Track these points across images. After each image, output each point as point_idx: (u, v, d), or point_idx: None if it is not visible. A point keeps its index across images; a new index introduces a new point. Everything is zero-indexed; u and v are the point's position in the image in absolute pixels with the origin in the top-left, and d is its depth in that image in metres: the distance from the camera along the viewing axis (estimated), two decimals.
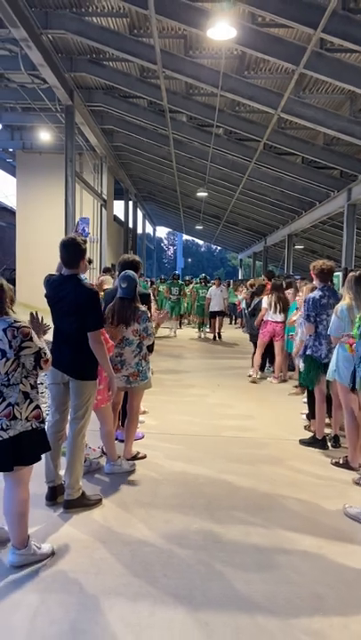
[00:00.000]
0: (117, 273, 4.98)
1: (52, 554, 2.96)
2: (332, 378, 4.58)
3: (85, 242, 3.76)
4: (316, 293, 4.97)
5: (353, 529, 3.38)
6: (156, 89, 10.29)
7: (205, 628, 2.42)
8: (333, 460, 4.59)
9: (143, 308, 4.35)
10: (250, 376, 8.28)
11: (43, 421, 2.93)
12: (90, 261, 4.23)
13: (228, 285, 19.52)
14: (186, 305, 16.18)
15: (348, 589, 2.73)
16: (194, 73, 9.06)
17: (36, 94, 10.94)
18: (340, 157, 11.43)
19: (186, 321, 18.05)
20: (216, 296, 13.59)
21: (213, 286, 13.87)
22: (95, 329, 3.51)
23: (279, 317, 8.00)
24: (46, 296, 3.73)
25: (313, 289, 5.37)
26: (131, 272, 4.36)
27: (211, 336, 14.06)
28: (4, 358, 2.74)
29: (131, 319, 4.24)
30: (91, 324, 3.50)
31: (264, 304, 8.24)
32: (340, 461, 4.51)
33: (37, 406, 2.89)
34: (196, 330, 15.32)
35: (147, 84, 10.53)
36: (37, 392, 2.93)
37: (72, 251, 3.61)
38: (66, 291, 3.57)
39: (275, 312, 8.00)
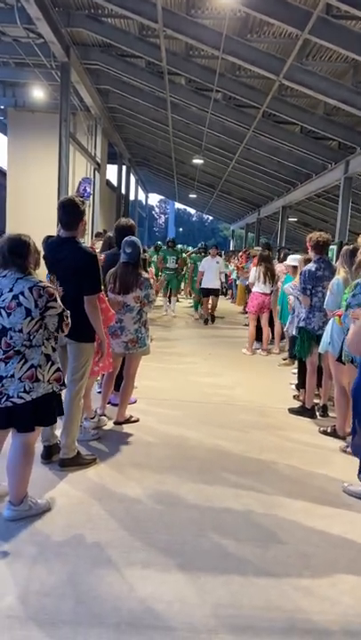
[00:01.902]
0: (115, 238, 4.96)
1: (48, 509, 3.04)
2: (325, 350, 4.66)
3: (84, 203, 3.72)
4: (312, 266, 4.99)
5: (339, 493, 3.50)
6: (156, 49, 9.97)
7: (197, 580, 2.53)
8: (321, 429, 4.71)
9: (146, 274, 4.35)
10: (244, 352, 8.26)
11: (63, 384, 2.98)
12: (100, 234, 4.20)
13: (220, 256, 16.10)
14: (182, 277, 14.11)
15: (335, 549, 2.86)
16: (195, 33, 8.77)
17: (30, 49, 10.53)
18: (339, 128, 11.26)
19: (183, 294, 16.09)
20: (211, 269, 10.95)
21: (208, 257, 11.39)
22: (92, 293, 3.51)
23: (267, 289, 8.03)
24: (44, 257, 3.70)
25: (307, 260, 5.40)
26: (135, 237, 4.34)
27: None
28: (28, 317, 2.75)
29: (133, 285, 4.24)
30: (88, 288, 3.50)
31: (251, 277, 8.25)
32: (328, 430, 4.63)
33: (58, 369, 2.91)
34: (193, 309, 12.80)
35: (146, 43, 10.19)
36: (57, 355, 2.96)
37: (70, 212, 3.58)
38: (63, 253, 3.55)
39: (263, 283, 8.02)
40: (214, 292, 11.21)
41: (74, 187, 13.00)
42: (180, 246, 14.65)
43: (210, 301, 11.25)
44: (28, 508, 2.95)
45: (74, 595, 2.36)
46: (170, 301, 12.43)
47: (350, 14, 7.16)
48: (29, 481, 2.99)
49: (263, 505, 3.29)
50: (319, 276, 4.94)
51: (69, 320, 2.95)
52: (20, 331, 2.75)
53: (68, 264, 3.51)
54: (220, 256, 12.70)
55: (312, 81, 9.06)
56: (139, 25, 9.87)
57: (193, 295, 13.20)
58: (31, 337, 2.79)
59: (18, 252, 2.82)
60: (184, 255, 14.18)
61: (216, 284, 11.15)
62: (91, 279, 3.52)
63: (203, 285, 11.02)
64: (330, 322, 4.58)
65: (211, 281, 10.95)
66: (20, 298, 2.74)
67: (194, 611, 2.31)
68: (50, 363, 2.87)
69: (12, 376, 2.76)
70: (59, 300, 2.88)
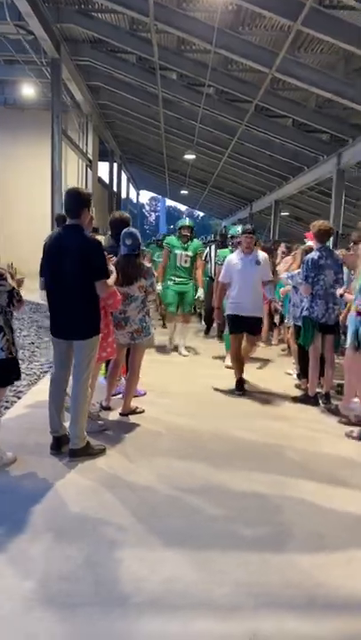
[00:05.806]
0: (110, 231, 4.98)
1: (14, 460, 3.45)
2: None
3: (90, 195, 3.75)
4: (315, 254, 5.02)
5: (348, 476, 3.54)
6: (147, 44, 9.95)
7: (214, 562, 2.54)
8: (343, 420, 4.61)
9: (148, 264, 4.38)
10: None
11: (14, 352, 3.40)
12: (95, 230, 4.22)
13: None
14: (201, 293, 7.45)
15: (349, 530, 2.88)
16: (187, 27, 8.77)
17: (20, 46, 10.51)
18: (331, 120, 11.30)
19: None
20: (246, 274, 5.34)
21: (236, 251, 5.72)
22: (102, 278, 3.53)
23: None
24: (46, 253, 3.62)
25: (308, 250, 5.42)
26: (133, 229, 4.37)
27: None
28: None
29: (137, 275, 4.27)
30: (97, 274, 3.52)
31: None
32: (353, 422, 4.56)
33: (8, 340, 3.35)
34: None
35: (137, 38, 10.17)
36: (12, 330, 3.43)
37: (74, 199, 3.61)
38: (69, 241, 3.54)
39: None
40: (252, 326, 5.43)
41: (66, 184, 12.96)
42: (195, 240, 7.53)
43: (243, 341, 5.45)
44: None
45: (93, 578, 2.37)
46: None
47: (342, 4, 7.21)
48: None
49: (274, 489, 3.31)
50: (322, 265, 4.98)
51: (21, 297, 3.40)
52: None
53: (73, 252, 3.48)
54: (270, 252, 7.45)
55: (304, 73, 9.08)
56: (129, 19, 9.86)
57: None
58: None
59: None
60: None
61: (256, 308, 5.45)
62: (99, 264, 3.54)
63: (231, 311, 5.45)
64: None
65: (246, 300, 5.34)
66: None
67: (214, 590, 2.32)
68: (2, 334, 3.31)
69: None
70: (9, 280, 3.34)
